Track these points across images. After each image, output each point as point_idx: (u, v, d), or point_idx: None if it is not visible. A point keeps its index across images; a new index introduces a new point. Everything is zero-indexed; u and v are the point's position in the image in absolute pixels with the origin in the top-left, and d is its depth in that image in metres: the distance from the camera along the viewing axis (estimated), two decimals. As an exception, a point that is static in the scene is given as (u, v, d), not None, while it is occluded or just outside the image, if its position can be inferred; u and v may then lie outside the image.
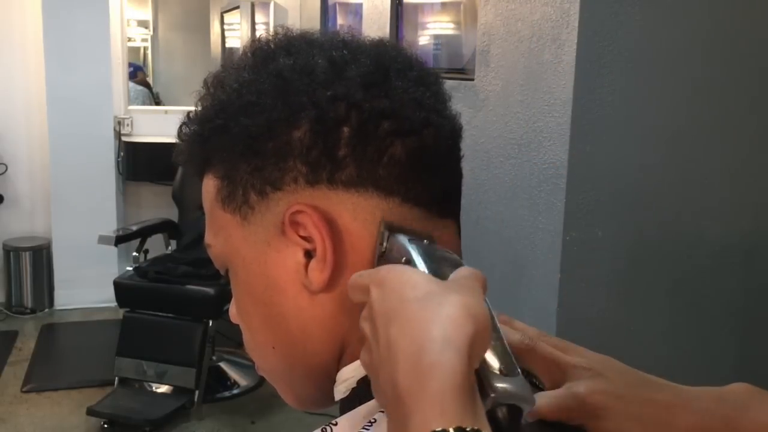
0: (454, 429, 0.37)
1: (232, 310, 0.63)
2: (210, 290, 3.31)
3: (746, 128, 1.70)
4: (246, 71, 0.57)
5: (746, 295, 1.75)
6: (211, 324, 3.35)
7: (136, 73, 7.34)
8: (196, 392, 3.32)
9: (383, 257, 0.54)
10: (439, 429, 0.37)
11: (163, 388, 3.43)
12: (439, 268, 0.49)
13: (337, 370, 0.58)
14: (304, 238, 0.55)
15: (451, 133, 0.59)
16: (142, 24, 8.03)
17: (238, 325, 0.64)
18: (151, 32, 8.17)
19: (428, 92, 0.57)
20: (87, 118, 4.50)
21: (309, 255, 0.55)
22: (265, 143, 0.55)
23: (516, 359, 0.46)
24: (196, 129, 0.59)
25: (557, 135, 1.65)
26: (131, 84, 5.90)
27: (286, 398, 0.64)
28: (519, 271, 1.83)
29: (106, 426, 3.19)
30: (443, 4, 2.52)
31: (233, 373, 3.74)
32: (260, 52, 0.59)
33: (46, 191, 4.61)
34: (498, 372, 0.44)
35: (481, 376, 0.43)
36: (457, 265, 0.50)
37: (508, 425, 0.43)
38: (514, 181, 1.85)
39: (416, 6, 2.62)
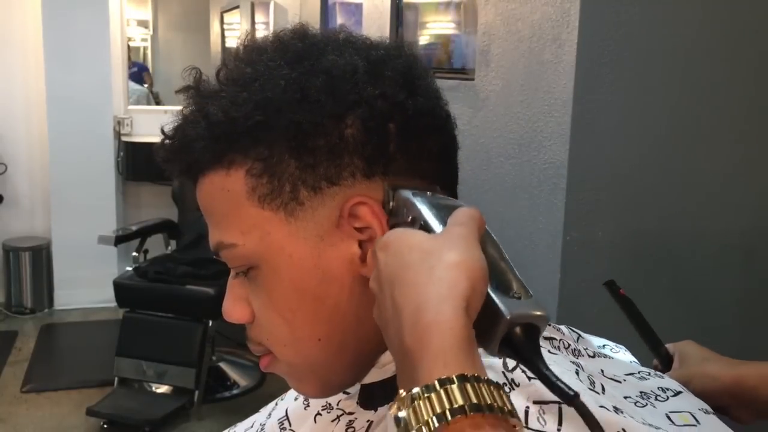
0: (457, 376, 0.42)
1: (240, 310, 0.62)
2: (210, 290, 3.30)
3: (745, 128, 1.70)
4: (284, 68, 0.58)
5: (746, 295, 1.75)
6: (211, 324, 3.34)
7: (142, 75, 7.32)
8: (196, 392, 3.31)
9: (392, 214, 0.57)
10: (443, 377, 0.42)
11: (163, 389, 3.43)
12: (442, 215, 0.52)
13: (382, 353, 0.61)
14: (358, 229, 0.58)
15: (454, 123, 0.65)
16: (142, 24, 8.02)
17: (238, 326, 0.63)
18: (151, 32, 8.16)
19: (437, 88, 0.63)
20: (87, 118, 4.50)
21: (361, 246, 0.58)
22: (316, 140, 0.56)
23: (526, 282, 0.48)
24: (223, 126, 0.57)
25: (557, 135, 1.65)
26: (130, 83, 5.89)
27: (308, 388, 0.64)
28: (519, 271, 1.83)
29: (105, 426, 3.19)
30: (443, 4, 2.52)
31: (233, 374, 3.74)
32: (292, 49, 0.60)
33: (46, 191, 4.61)
34: (512, 296, 0.47)
35: (493, 304, 0.46)
36: (456, 207, 0.53)
37: (526, 344, 0.46)
38: (514, 181, 1.85)
39: (416, 6, 2.62)
